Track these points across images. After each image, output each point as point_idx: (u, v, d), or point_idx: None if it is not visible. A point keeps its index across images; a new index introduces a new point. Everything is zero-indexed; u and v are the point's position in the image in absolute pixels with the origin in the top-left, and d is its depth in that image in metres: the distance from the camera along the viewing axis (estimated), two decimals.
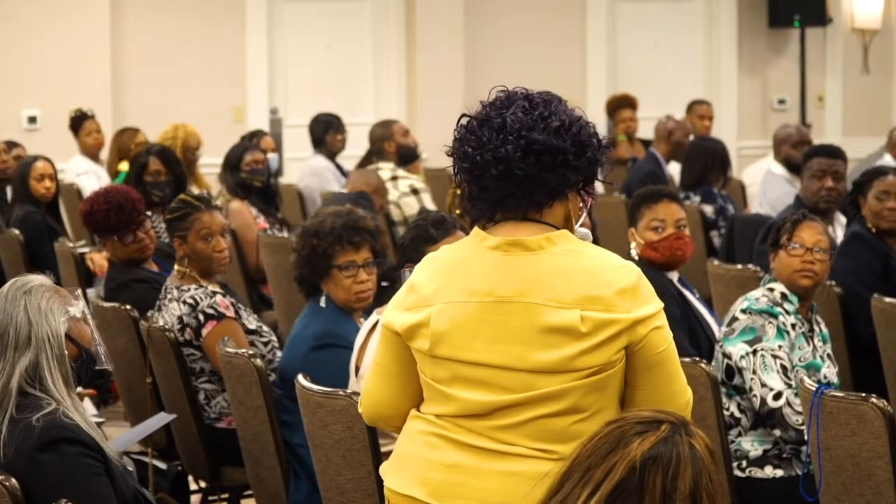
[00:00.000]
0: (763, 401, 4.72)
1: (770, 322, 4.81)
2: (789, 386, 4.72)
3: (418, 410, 3.26)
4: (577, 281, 3.09)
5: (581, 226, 3.29)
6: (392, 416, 3.32)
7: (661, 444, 2.44)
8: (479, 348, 3.13)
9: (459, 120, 3.21)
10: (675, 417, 2.50)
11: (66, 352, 3.66)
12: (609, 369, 3.10)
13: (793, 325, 4.86)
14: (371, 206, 7.80)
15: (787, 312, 4.87)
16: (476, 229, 3.21)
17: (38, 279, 3.76)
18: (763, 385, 4.73)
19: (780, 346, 4.78)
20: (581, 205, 3.24)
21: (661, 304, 3.16)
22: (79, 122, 10.13)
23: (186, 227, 5.40)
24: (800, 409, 4.65)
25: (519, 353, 3.10)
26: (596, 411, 3.11)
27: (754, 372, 4.75)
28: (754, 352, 4.77)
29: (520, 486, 3.07)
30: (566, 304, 3.08)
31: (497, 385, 3.12)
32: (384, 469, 3.31)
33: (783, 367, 4.75)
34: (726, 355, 4.83)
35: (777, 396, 4.71)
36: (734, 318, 4.87)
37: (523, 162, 3.10)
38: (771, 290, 4.94)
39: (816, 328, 5.00)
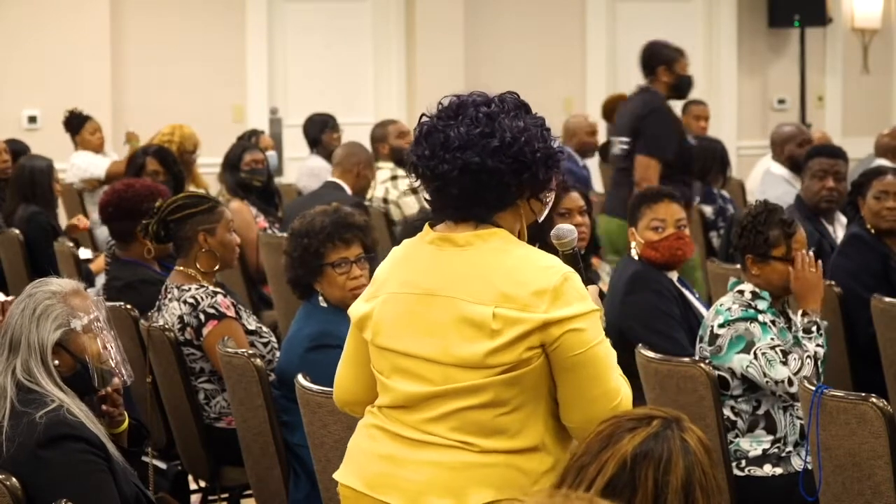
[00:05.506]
0: (785, 392, 4.74)
1: (752, 323, 4.81)
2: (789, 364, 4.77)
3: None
4: (495, 278, 3.15)
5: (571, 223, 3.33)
6: (354, 402, 3.45)
7: (652, 440, 2.44)
8: (409, 339, 3.22)
9: (420, 118, 3.25)
10: (669, 413, 2.50)
11: (57, 362, 3.67)
12: (523, 367, 3.14)
13: (772, 322, 4.86)
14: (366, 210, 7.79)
15: (761, 311, 4.87)
16: (426, 226, 3.31)
17: (57, 284, 3.75)
18: (777, 382, 4.75)
19: (771, 339, 4.79)
20: (535, 213, 3.25)
21: (591, 308, 3.17)
22: (79, 121, 10.13)
23: (216, 219, 5.39)
24: (799, 366, 4.73)
25: (439, 345, 3.18)
26: (518, 406, 3.17)
27: (765, 374, 4.75)
28: (755, 356, 4.77)
29: (442, 477, 3.16)
30: (481, 300, 3.14)
31: (422, 377, 3.21)
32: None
33: (783, 352, 4.78)
34: (717, 368, 4.82)
35: (791, 383, 4.74)
36: (715, 336, 4.85)
37: (458, 181, 3.16)
38: (741, 292, 4.93)
39: (793, 318, 5.01)
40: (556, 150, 3.22)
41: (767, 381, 4.76)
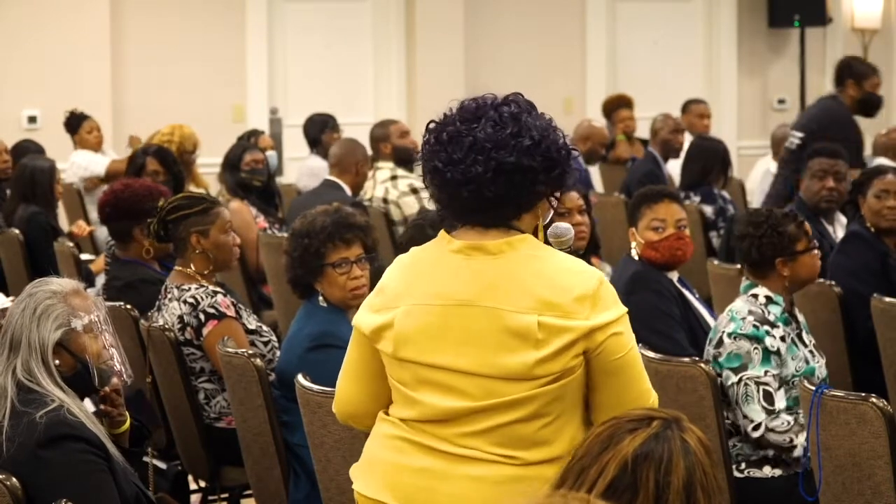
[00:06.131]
0: (746, 432, 4.74)
1: (756, 348, 4.79)
2: (771, 412, 4.71)
3: (387, 412, 3.29)
4: (535, 286, 3.11)
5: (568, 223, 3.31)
6: (362, 415, 3.37)
7: (653, 441, 2.44)
8: (441, 352, 3.15)
9: (428, 125, 3.20)
10: (668, 414, 2.50)
11: (58, 361, 3.67)
12: (569, 375, 3.12)
13: (782, 338, 4.82)
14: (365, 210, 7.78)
15: (774, 325, 4.83)
16: (442, 232, 3.24)
17: (57, 284, 3.75)
18: (744, 417, 4.73)
19: (765, 372, 4.75)
20: (550, 209, 3.25)
21: (624, 310, 3.17)
22: (78, 121, 10.15)
23: (210, 220, 5.38)
24: (783, 428, 4.68)
25: (480, 357, 3.12)
26: (558, 415, 3.14)
27: (737, 403, 4.75)
28: (739, 381, 4.76)
29: (485, 491, 3.11)
30: (524, 309, 3.09)
31: (460, 390, 3.14)
32: (353, 472, 3.33)
33: (766, 394, 4.72)
34: (718, 374, 4.82)
35: (756, 427, 4.71)
36: (721, 341, 4.84)
37: (493, 183, 3.11)
38: (755, 296, 4.92)
39: (802, 320, 5.00)
40: (572, 147, 3.22)
41: (736, 410, 4.76)
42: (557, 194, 3.24)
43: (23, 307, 3.70)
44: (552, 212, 3.28)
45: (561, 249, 3.38)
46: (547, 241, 3.27)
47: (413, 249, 3.31)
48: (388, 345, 3.21)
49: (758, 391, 4.73)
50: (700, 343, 5.39)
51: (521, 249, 3.15)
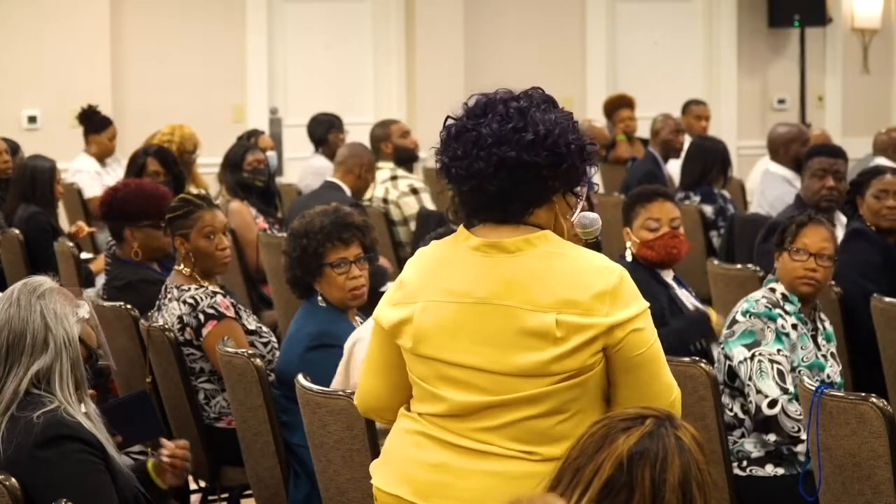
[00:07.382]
0: (758, 408, 4.72)
1: (769, 326, 4.80)
2: (785, 391, 4.71)
3: (408, 406, 3.28)
4: (554, 284, 3.09)
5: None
6: (383, 408, 3.36)
7: (647, 439, 2.44)
8: (459, 349, 3.13)
9: (445, 121, 3.19)
10: (660, 412, 2.50)
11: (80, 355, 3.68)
12: (587, 372, 3.10)
13: (794, 326, 4.85)
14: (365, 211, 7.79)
15: (787, 314, 4.86)
16: (461, 228, 3.22)
17: (47, 282, 3.74)
18: (758, 392, 4.73)
19: (778, 350, 4.76)
20: (570, 206, 3.23)
21: (646, 305, 3.14)
22: (101, 123, 10.07)
23: (189, 224, 5.39)
24: (795, 415, 4.67)
25: (496, 355, 3.10)
26: (577, 411, 3.12)
27: (750, 378, 4.74)
28: (752, 356, 4.76)
29: (502, 487, 3.08)
30: (542, 307, 3.07)
31: (477, 386, 3.13)
32: (373, 466, 3.33)
33: (780, 372, 4.74)
34: (728, 357, 4.83)
35: (772, 404, 4.71)
36: (734, 321, 4.86)
37: (495, 177, 3.09)
38: (773, 290, 4.94)
39: (820, 326, 5.00)
40: (588, 142, 3.18)
41: (748, 387, 4.75)
42: (578, 189, 3.20)
43: (39, 309, 3.65)
44: (580, 203, 3.25)
45: (588, 240, 3.35)
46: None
47: (434, 243, 3.29)
48: (407, 340, 3.19)
49: (771, 368, 4.74)
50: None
51: (540, 246, 3.12)
